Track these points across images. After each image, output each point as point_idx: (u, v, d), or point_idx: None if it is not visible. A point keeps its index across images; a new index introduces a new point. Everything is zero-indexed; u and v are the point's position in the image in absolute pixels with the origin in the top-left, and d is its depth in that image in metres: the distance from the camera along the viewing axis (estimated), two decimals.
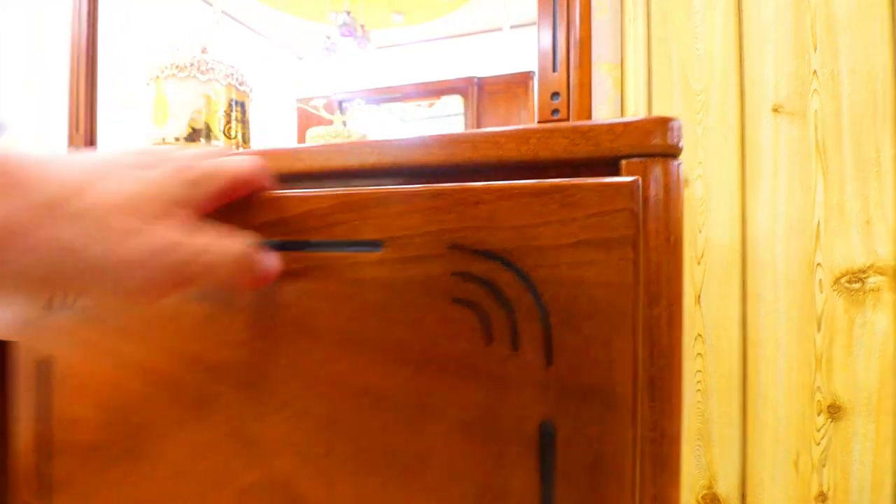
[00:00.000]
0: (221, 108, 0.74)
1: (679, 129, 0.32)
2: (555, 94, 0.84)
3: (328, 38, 3.09)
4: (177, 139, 0.72)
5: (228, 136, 0.75)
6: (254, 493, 0.26)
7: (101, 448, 0.35)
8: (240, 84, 0.77)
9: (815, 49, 0.64)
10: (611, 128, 0.32)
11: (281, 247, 0.26)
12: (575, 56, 0.83)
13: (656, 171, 0.32)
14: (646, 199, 0.33)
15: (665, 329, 0.31)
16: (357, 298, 0.24)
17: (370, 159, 0.42)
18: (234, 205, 0.25)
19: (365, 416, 0.23)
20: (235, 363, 0.26)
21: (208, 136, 0.73)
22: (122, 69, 1.35)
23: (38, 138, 1.35)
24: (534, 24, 0.87)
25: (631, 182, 0.21)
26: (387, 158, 0.45)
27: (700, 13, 0.68)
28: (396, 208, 0.23)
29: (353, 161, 0.44)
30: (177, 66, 0.71)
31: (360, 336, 0.23)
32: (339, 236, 0.24)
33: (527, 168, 0.36)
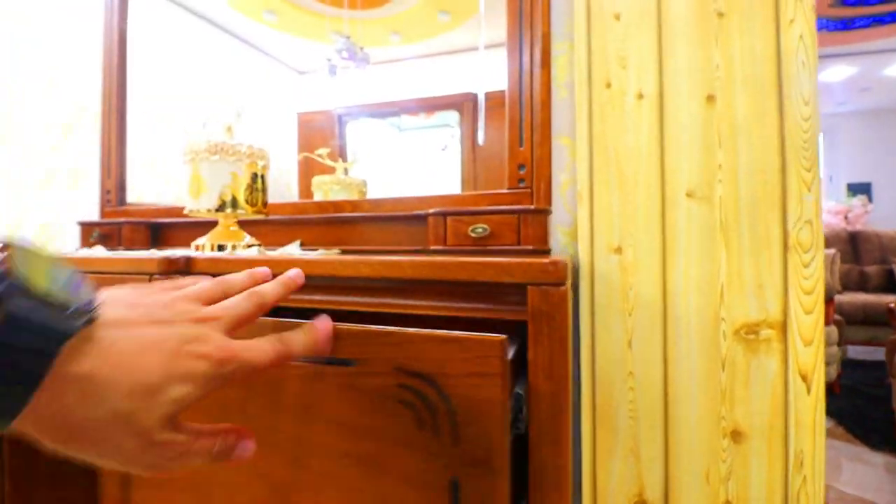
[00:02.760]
0: (245, 182, 0.90)
1: (564, 266, 0.49)
2: (521, 166, 1.00)
3: (329, 60, 3.27)
4: (209, 210, 0.88)
5: (251, 205, 0.91)
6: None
7: (170, 482, 0.51)
8: (260, 160, 0.93)
9: (720, 146, 0.81)
10: (520, 265, 0.49)
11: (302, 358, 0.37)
12: (538, 134, 0.99)
13: (549, 291, 0.49)
14: (538, 314, 0.50)
15: (547, 411, 0.50)
16: (342, 395, 0.38)
17: (364, 271, 0.59)
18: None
19: (346, 470, 0.37)
20: (268, 430, 0.42)
21: (234, 206, 0.89)
22: (144, 107, 1.50)
23: (73, 175, 1.52)
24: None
25: (501, 340, 0.35)
26: (377, 272, 0.61)
27: (630, 113, 0.85)
28: (364, 341, 0.38)
29: (348, 272, 0.61)
30: (209, 150, 0.87)
31: (344, 419, 0.38)
32: (330, 354, 0.37)
33: (469, 285, 0.53)
